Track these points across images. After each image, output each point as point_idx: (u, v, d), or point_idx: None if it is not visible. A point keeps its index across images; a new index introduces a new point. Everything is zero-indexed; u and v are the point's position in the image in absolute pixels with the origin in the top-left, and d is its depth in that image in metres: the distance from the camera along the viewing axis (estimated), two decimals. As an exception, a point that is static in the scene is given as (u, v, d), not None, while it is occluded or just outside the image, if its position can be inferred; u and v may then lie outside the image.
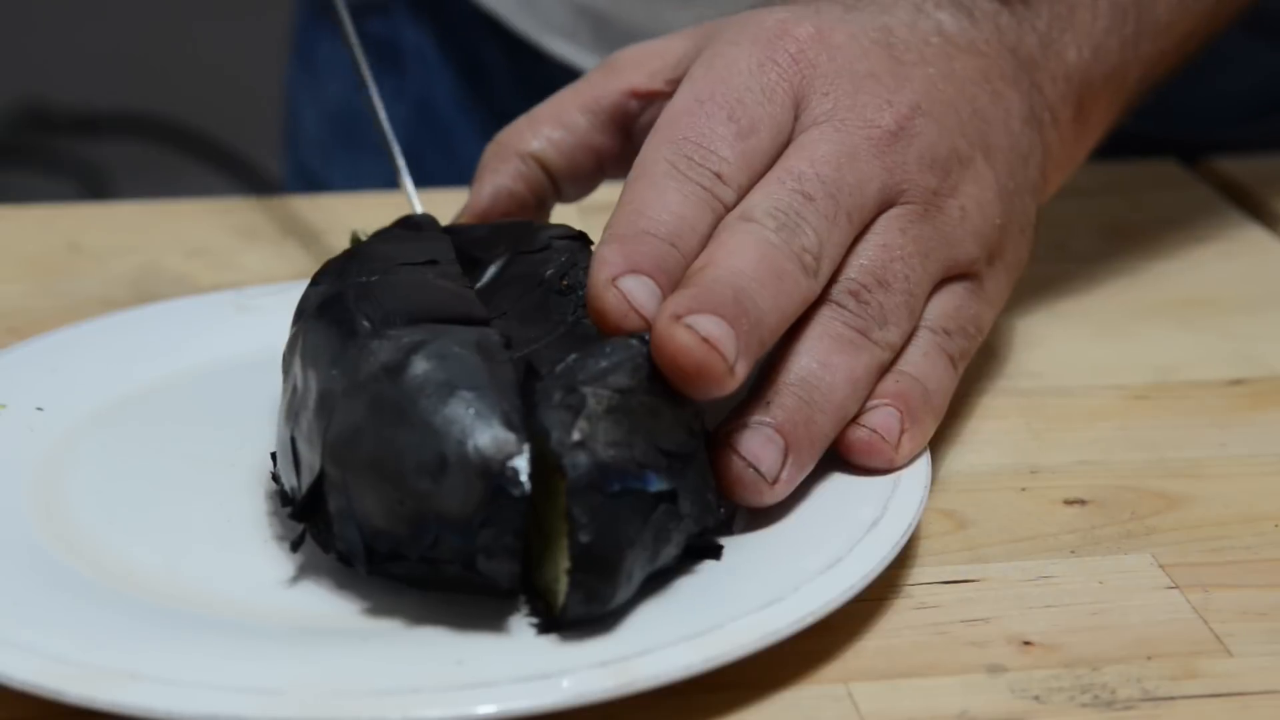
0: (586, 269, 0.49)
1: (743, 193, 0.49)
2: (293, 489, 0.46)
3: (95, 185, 1.95)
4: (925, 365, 0.51)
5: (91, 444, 0.53)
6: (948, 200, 0.52)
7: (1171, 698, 0.43)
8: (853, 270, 0.50)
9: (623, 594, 0.43)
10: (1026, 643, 0.45)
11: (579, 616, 0.43)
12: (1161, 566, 0.49)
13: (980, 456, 0.54)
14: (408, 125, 0.86)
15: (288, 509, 0.46)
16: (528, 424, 0.43)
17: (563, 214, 0.59)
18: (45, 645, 0.42)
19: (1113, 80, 0.59)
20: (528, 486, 0.42)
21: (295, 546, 0.46)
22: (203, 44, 1.93)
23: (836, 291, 0.50)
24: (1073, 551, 0.50)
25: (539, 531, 0.44)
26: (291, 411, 0.47)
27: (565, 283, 0.50)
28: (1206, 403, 0.58)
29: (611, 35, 0.81)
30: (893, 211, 0.51)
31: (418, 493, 0.42)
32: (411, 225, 0.55)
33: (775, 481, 0.47)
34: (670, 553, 0.44)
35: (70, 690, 0.40)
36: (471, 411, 0.43)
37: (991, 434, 0.56)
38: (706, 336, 0.45)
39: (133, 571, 0.46)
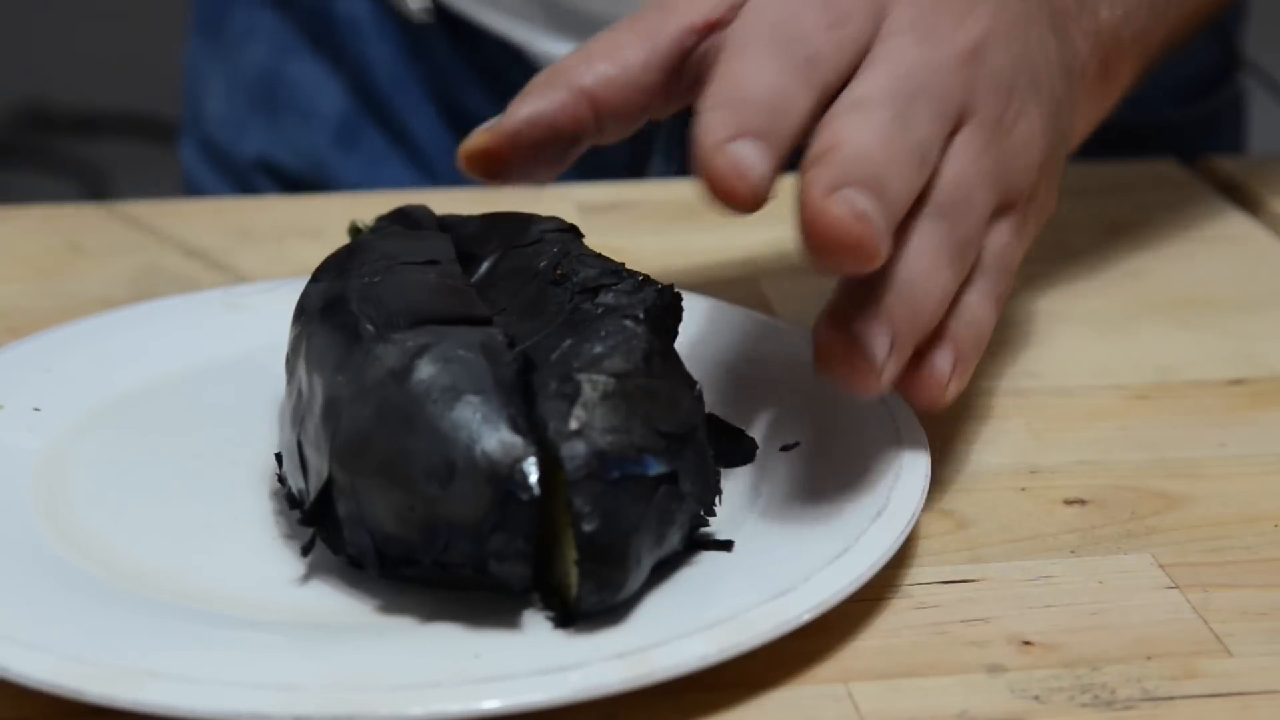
0: (580, 258, 0.49)
1: (840, 79, 0.48)
2: (300, 492, 0.47)
3: (95, 185, 1.95)
4: (980, 309, 0.50)
5: (92, 444, 0.53)
6: (1011, 127, 0.51)
7: (1171, 698, 0.43)
8: (945, 185, 0.49)
9: (634, 581, 0.43)
10: (1026, 643, 0.45)
11: (593, 607, 0.43)
12: (1161, 566, 0.49)
13: (980, 456, 0.54)
14: (344, 96, 0.85)
15: (296, 512, 0.47)
16: (529, 416, 0.43)
17: (563, 212, 0.59)
18: (62, 645, 0.42)
19: (1139, 42, 0.59)
20: (537, 490, 0.42)
21: (306, 551, 0.46)
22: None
23: (932, 205, 0.48)
24: (1073, 551, 0.50)
25: (548, 528, 0.44)
26: (297, 416, 0.47)
27: (559, 272, 0.50)
28: (1206, 402, 0.58)
29: (562, 16, 0.80)
30: (965, 132, 0.50)
31: (428, 498, 0.43)
32: (408, 218, 0.55)
33: (881, 372, 0.46)
34: (676, 535, 0.44)
35: (90, 689, 0.40)
36: (478, 416, 0.43)
37: (991, 434, 0.56)
38: (862, 211, 0.44)
39: (143, 571, 0.46)
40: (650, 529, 0.43)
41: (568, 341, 0.45)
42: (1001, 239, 0.51)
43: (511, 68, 0.82)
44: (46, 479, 0.51)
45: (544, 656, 0.42)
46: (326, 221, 0.71)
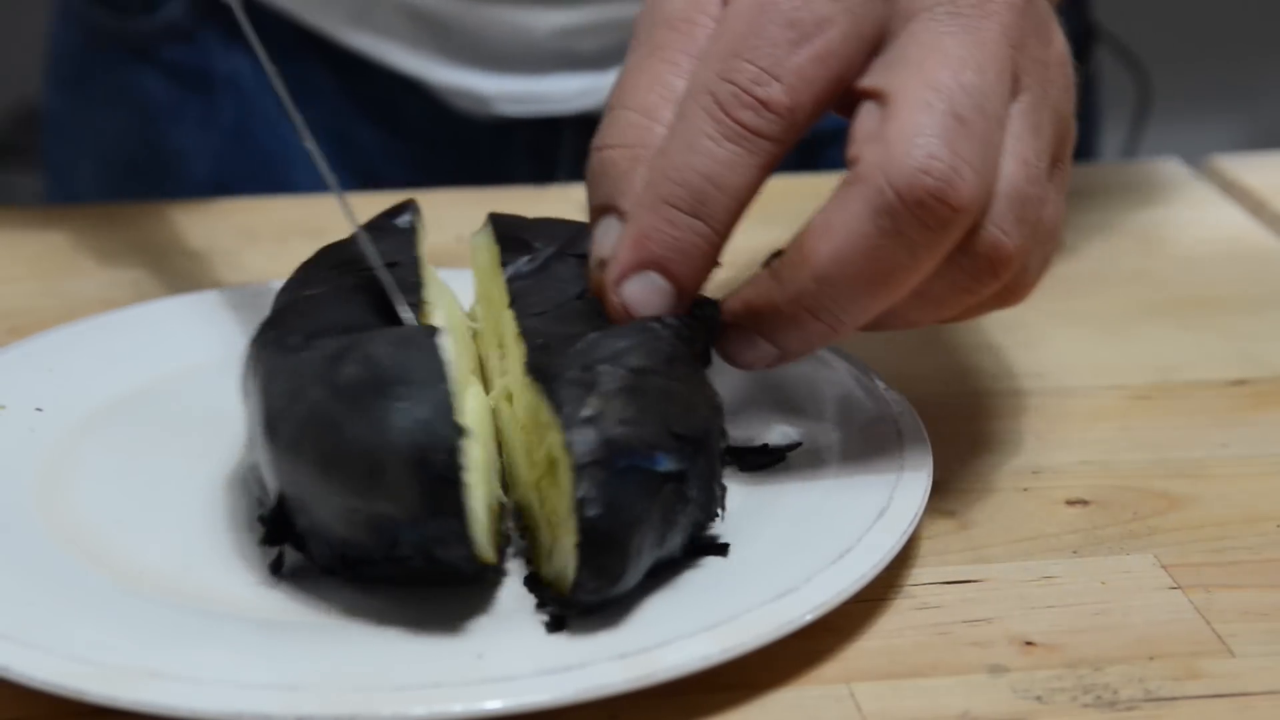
0: None
1: (805, 117, 0.46)
2: (265, 514, 0.47)
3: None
4: (1033, 284, 0.50)
5: (93, 444, 0.53)
6: (1054, 71, 0.49)
7: (1174, 698, 0.43)
8: (1001, 200, 0.46)
9: (632, 574, 0.43)
10: (1029, 643, 0.45)
11: (589, 596, 0.42)
12: (1164, 567, 0.49)
13: (982, 457, 0.54)
14: (221, 156, 0.84)
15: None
16: (551, 399, 0.43)
17: (565, 211, 0.59)
18: (64, 645, 0.42)
19: None
20: (465, 470, 0.42)
21: (275, 569, 0.46)
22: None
23: (991, 221, 0.46)
24: (1075, 552, 0.50)
25: (546, 524, 0.44)
26: (250, 439, 0.47)
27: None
28: (1208, 403, 0.58)
29: (457, 41, 0.80)
30: (1018, 107, 0.47)
31: (366, 498, 0.43)
32: (391, 217, 0.55)
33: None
34: (677, 538, 0.44)
35: (92, 689, 0.40)
36: (401, 407, 0.43)
37: (993, 434, 0.56)
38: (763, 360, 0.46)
39: (145, 571, 0.46)
40: (653, 526, 0.43)
41: (592, 334, 0.45)
42: (1054, 210, 0.49)
43: (400, 96, 0.82)
44: (48, 479, 0.51)
45: (546, 657, 0.42)
46: (329, 221, 0.71)
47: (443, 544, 0.42)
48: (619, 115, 0.48)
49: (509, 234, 0.53)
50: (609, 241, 0.47)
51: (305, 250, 0.55)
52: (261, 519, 0.46)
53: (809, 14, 0.46)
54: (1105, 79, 0.93)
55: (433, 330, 0.46)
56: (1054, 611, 0.47)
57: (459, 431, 0.42)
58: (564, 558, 0.43)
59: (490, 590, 0.45)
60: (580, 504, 0.42)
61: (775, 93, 0.45)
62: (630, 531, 0.42)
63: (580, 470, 0.42)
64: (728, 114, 0.45)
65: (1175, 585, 0.48)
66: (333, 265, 0.51)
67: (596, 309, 0.48)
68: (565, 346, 0.46)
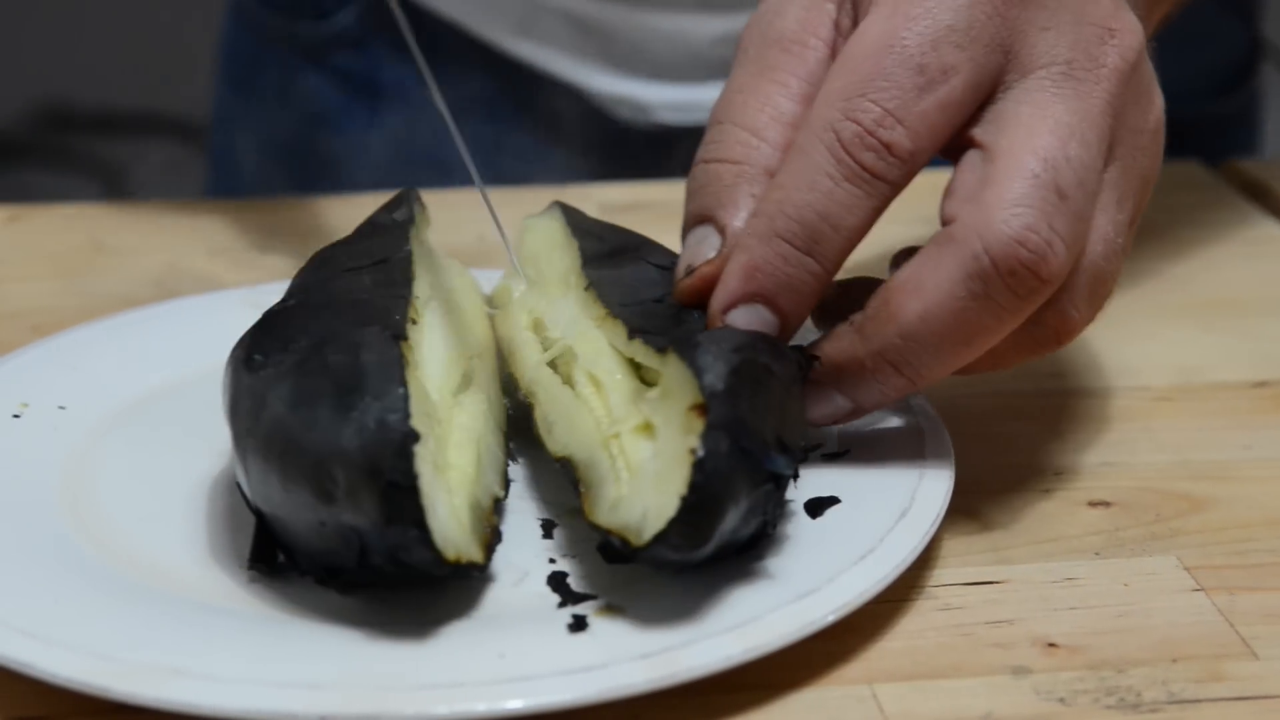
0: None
1: (922, 163, 0.47)
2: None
3: (115, 184, 1.96)
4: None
5: (116, 443, 0.53)
6: (1147, 139, 0.49)
7: (1197, 700, 0.43)
8: (1080, 275, 0.47)
9: (710, 547, 0.43)
10: (1051, 644, 0.45)
11: (671, 553, 0.42)
12: (1186, 569, 0.49)
13: (1004, 458, 0.54)
14: (389, 165, 0.84)
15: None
16: (678, 349, 0.44)
17: (585, 211, 0.59)
18: (88, 643, 0.42)
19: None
20: (416, 473, 0.42)
21: (266, 569, 0.46)
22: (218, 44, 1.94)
23: (1066, 295, 0.47)
24: (1097, 553, 0.49)
25: (617, 477, 0.45)
26: (233, 458, 0.47)
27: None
28: (1230, 405, 0.58)
29: (619, 50, 0.80)
30: (1108, 176, 0.48)
31: (328, 511, 0.42)
32: (390, 211, 0.55)
33: None
34: (743, 536, 0.44)
35: (116, 687, 0.41)
36: (351, 415, 0.42)
37: (1015, 436, 0.56)
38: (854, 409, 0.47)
39: (167, 569, 0.46)
40: (739, 513, 0.43)
41: (727, 328, 0.46)
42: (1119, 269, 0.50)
43: (562, 104, 0.82)
44: (72, 477, 0.51)
45: (568, 656, 0.42)
46: (348, 221, 0.71)
47: (406, 550, 0.42)
48: (727, 131, 0.49)
49: (577, 224, 0.54)
50: (703, 250, 0.48)
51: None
52: (255, 532, 0.46)
53: (936, 60, 0.46)
54: (1272, 93, 0.93)
55: (398, 333, 0.46)
56: (1077, 613, 0.47)
57: (411, 436, 0.42)
58: (644, 510, 0.43)
59: (512, 590, 0.45)
60: (700, 463, 0.42)
61: (899, 136, 0.46)
62: (726, 508, 0.42)
63: (709, 433, 0.42)
64: (850, 154, 0.46)
65: (1198, 587, 0.48)
66: (316, 272, 0.51)
67: (679, 313, 0.49)
68: (667, 330, 0.46)
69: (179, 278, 0.68)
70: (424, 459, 0.42)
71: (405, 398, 0.43)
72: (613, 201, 0.74)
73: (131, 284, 0.67)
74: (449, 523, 0.43)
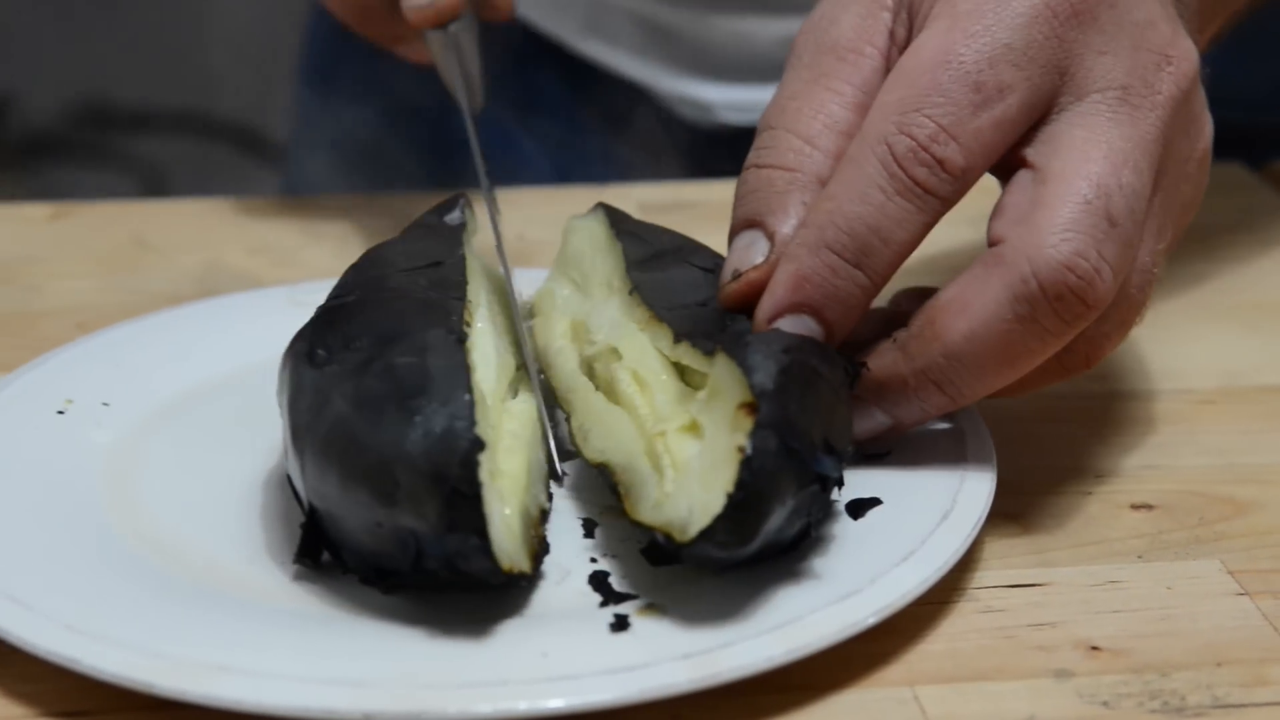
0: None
1: (974, 180, 0.47)
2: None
3: (153, 182, 1.97)
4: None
5: (159, 439, 0.53)
6: (1192, 167, 0.49)
7: (1242, 705, 0.43)
8: (1118, 304, 0.47)
9: (754, 546, 0.43)
10: (1094, 648, 0.45)
11: (715, 550, 0.42)
12: (1230, 573, 0.48)
13: (1046, 460, 0.54)
14: (448, 159, 0.85)
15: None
16: (727, 350, 0.44)
17: (624, 210, 0.59)
18: (131, 638, 0.42)
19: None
20: (483, 484, 0.42)
21: (311, 562, 0.46)
22: (259, 42, 1.94)
23: (1103, 321, 0.47)
24: (1140, 556, 0.49)
25: (659, 477, 0.44)
26: (284, 449, 0.47)
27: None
28: (1275, 408, 0.58)
29: (683, 50, 0.81)
30: (1154, 204, 0.48)
31: (388, 512, 0.43)
32: (441, 214, 0.55)
33: None
34: (785, 537, 0.44)
35: (161, 683, 0.41)
36: (417, 420, 0.42)
37: (1057, 438, 0.55)
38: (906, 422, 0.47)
39: (211, 565, 0.47)
40: (784, 513, 0.43)
41: (774, 333, 0.46)
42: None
43: (626, 103, 0.83)
44: (115, 472, 0.51)
45: (611, 656, 0.42)
46: (387, 219, 0.72)
47: (464, 558, 0.42)
48: (779, 137, 0.49)
49: (621, 226, 0.54)
50: (750, 256, 0.48)
51: (366, 247, 0.55)
52: (303, 525, 0.46)
53: (993, 78, 0.46)
54: None
55: (460, 336, 0.46)
56: (1120, 616, 0.46)
57: (477, 444, 0.42)
58: (690, 507, 0.43)
59: (554, 589, 0.45)
60: (748, 461, 0.42)
61: (952, 153, 0.46)
62: (772, 507, 0.42)
63: (758, 431, 0.42)
64: (903, 168, 0.46)
65: (1242, 591, 0.48)
66: (370, 270, 0.51)
67: (723, 317, 0.48)
68: (713, 334, 0.46)
69: (220, 275, 0.68)
70: (484, 466, 0.42)
71: (471, 404, 0.43)
72: (653, 201, 0.74)
73: (174, 281, 0.68)
74: (502, 531, 0.43)
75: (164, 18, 1.99)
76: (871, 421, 0.48)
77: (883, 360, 0.47)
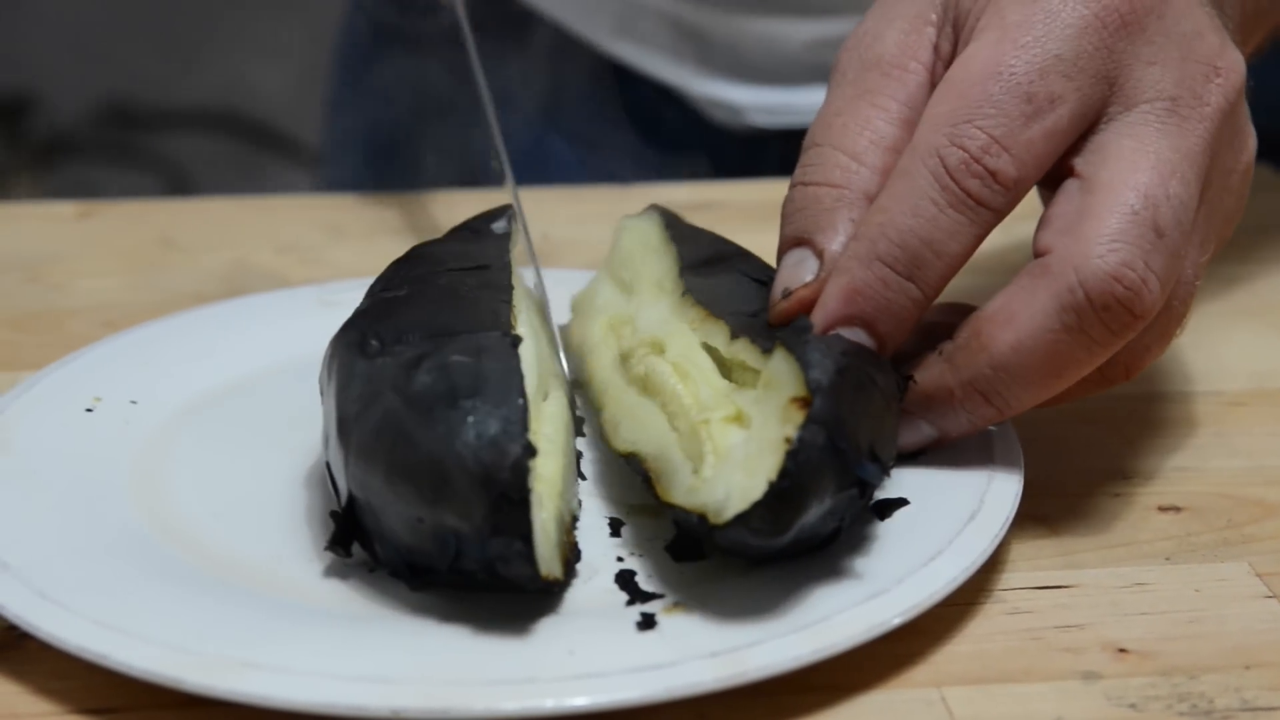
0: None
1: (1025, 191, 0.47)
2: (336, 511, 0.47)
3: (178, 182, 1.97)
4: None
5: (187, 438, 0.53)
6: (1235, 179, 0.49)
7: (1271, 708, 0.43)
8: (1161, 316, 0.48)
9: (788, 538, 0.43)
10: (1122, 650, 0.45)
11: (750, 537, 0.42)
12: (1259, 575, 0.48)
13: (1073, 461, 0.54)
14: (484, 161, 0.86)
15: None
16: (786, 344, 0.44)
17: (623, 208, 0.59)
18: (160, 634, 0.42)
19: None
20: (531, 490, 0.42)
21: (343, 551, 0.46)
22: (280, 41, 1.95)
23: (1146, 333, 0.47)
24: (1168, 558, 0.49)
25: (697, 463, 0.44)
26: (325, 437, 0.47)
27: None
28: (1304, 410, 0.58)
29: (715, 52, 0.81)
30: (1202, 212, 0.48)
31: (431, 509, 0.43)
32: (488, 221, 0.55)
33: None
34: (817, 535, 0.44)
35: (188, 679, 0.41)
36: (470, 420, 0.43)
37: (1084, 439, 0.55)
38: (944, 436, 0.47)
39: (239, 562, 0.47)
40: (821, 511, 0.43)
41: (832, 337, 0.46)
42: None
43: (657, 105, 0.83)
44: (143, 470, 0.51)
45: (637, 654, 0.42)
46: (414, 219, 0.72)
47: (506, 562, 0.42)
48: (826, 154, 0.49)
49: (674, 229, 0.54)
50: (800, 274, 0.48)
51: (393, 247, 0.56)
52: (334, 514, 0.46)
53: (1044, 89, 0.46)
54: None
55: (515, 339, 0.46)
56: (1147, 618, 0.46)
57: (529, 450, 0.42)
58: (728, 491, 0.43)
59: (581, 587, 0.45)
60: (793, 453, 0.42)
61: (1004, 164, 0.46)
62: (810, 501, 0.43)
63: (808, 425, 0.42)
64: (955, 181, 0.46)
65: (1271, 594, 0.47)
66: (419, 266, 0.52)
67: (772, 330, 0.48)
68: (772, 334, 0.46)
69: (247, 274, 0.68)
70: (533, 473, 0.42)
71: (525, 409, 0.43)
72: (678, 201, 0.74)
73: (201, 280, 0.68)
74: (540, 538, 0.43)
75: (189, 17, 2.00)
76: (918, 434, 0.48)
77: (929, 372, 0.48)
